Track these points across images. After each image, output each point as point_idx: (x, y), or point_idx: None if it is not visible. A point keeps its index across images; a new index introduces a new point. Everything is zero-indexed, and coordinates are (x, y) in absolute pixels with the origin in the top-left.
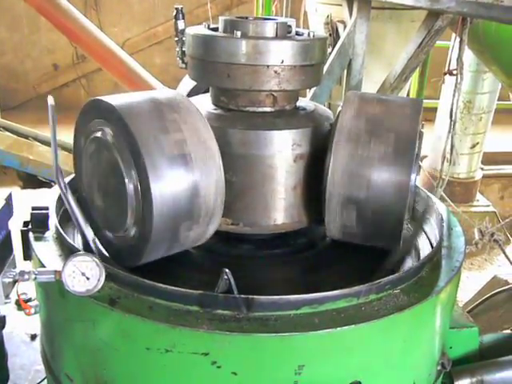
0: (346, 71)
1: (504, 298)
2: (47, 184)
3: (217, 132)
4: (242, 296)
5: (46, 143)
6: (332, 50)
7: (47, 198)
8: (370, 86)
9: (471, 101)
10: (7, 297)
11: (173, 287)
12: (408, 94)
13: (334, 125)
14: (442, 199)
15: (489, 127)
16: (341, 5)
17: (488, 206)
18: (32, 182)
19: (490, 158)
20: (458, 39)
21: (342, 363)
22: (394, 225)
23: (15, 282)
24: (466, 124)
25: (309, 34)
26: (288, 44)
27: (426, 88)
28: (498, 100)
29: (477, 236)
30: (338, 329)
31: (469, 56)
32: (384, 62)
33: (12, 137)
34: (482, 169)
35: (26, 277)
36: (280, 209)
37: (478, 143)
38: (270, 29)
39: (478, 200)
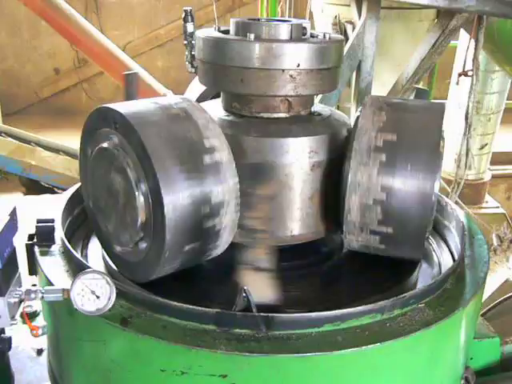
0: (355, 73)
1: None
2: (50, 189)
3: (230, 140)
4: (262, 314)
5: (49, 148)
6: None
7: (52, 208)
8: (378, 88)
9: (480, 101)
10: (13, 318)
11: (188, 305)
12: None
13: (352, 131)
14: (455, 203)
15: (497, 128)
16: (349, 5)
17: (497, 207)
18: (35, 187)
19: (496, 158)
20: (471, 39)
21: (366, 382)
22: (416, 235)
23: (21, 301)
24: (474, 125)
25: (324, 36)
26: (304, 47)
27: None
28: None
29: (495, 242)
30: (363, 347)
31: None
32: (392, 63)
33: (14, 142)
34: (489, 169)
35: (33, 296)
36: (297, 219)
37: (486, 144)
38: (284, 31)
39: (486, 202)
